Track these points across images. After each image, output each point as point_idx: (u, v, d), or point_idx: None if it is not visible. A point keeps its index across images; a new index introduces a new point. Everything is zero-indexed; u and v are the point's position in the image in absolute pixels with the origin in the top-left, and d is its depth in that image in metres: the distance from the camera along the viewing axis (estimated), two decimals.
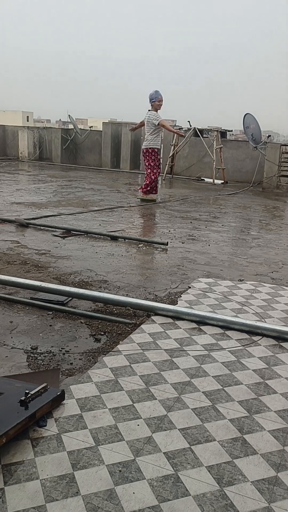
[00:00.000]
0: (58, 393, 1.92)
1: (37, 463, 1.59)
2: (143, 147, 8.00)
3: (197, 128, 11.93)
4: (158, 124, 7.71)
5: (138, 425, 1.84)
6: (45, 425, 1.80)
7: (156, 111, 7.79)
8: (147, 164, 7.92)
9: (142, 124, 8.22)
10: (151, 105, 7.80)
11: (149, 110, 7.85)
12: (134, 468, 1.60)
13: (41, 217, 5.94)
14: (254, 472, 1.62)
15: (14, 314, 2.90)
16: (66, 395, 1.99)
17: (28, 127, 16.51)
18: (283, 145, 11.02)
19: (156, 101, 7.75)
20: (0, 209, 6.38)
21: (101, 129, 14.24)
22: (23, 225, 5.42)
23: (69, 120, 17.14)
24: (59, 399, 1.92)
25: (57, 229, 5.29)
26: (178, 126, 12.58)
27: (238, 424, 1.89)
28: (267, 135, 12.59)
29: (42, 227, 5.40)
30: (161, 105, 7.78)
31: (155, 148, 7.88)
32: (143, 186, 8.06)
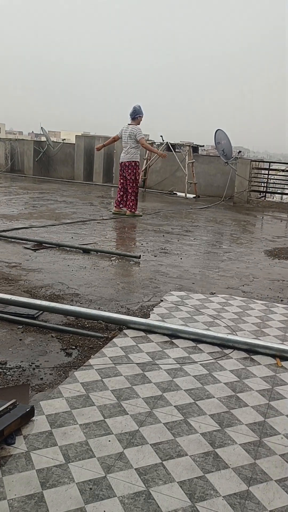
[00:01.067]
0: (28, 410, 1.87)
1: (5, 482, 1.54)
2: (124, 160, 7.83)
3: (170, 143, 12.08)
4: (139, 140, 7.74)
5: (109, 441, 1.81)
6: (14, 443, 1.75)
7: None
8: (128, 178, 7.82)
9: (114, 139, 8.21)
10: (133, 119, 7.78)
11: (129, 124, 7.81)
12: (105, 485, 1.57)
13: (12, 229, 5.85)
14: (226, 487, 1.62)
15: None
16: (35, 411, 1.94)
17: (0, 138, 16.36)
18: (253, 160, 11.27)
19: (141, 116, 7.80)
20: None
21: (74, 142, 14.24)
22: None
23: (41, 132, 17.09)
24: (28, 416, 1.88)
25: (28, 242, 5.22)
26: (151, 140, 12.70)
27: (210, 438, 1.88)
28: (238, 150, 12.87)
29: (12, 240, 5.32)
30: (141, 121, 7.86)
31: (137, 161, 7.85)
32: (130, 204, 7.89)
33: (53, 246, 5.14)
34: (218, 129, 11.35)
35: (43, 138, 16.63)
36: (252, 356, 2.69)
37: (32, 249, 4.93)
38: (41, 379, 2.28)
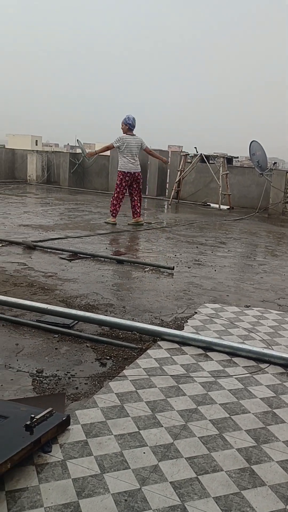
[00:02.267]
0: (64, 418, 1.90)
1: (42, 490, 1.57)
2: (137, 171, 7.90)
3: (204, 154, 12.08)
4: (145, 149, 8.06)
5: (144, 453, 1.81)
6: (50, 451, 1.77)
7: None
8: (137, 187, 7.97)
9: (108, 148, 8.17)
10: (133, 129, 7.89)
11: (132, 135, 7.86)
12: (140, 497, 1.57)
13: (48, 240, 5.97)
14: (262, 504, 1.59)
15: (20, 337, 2.89)
16: (71, 420, 1.97)
17: (37, 151, 16.77)
18: None
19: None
20: (7, 231, 6.43)
21: (109, 154, 14.44)
22: (30, 247, 5.45)
23: (77, 145, 17.41)
24: (64, 424, 1.90)
25: (64, 252, 5.32)
26: (185, 152, 12.74)
27: (246, 454, 1.86)
28: (273, 162, 12.73)
29: (49, 250, 5.43)
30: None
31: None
32: (139, 212, 8.07)
33: (87, 256, 5.21)
34: (253, 141, 11.28)
35: (79, 150, 16.93)
36: None
37: (68, 259, 5.01)
38: (76, 388, 2.31)
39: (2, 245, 5.51)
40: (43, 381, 2.35)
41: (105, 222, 7.92)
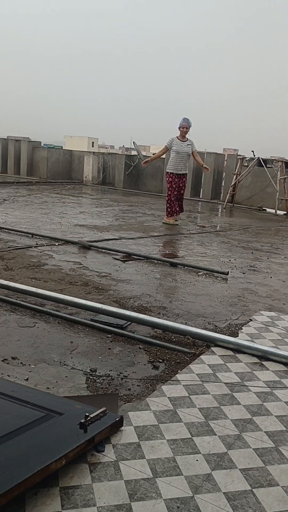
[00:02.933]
0: (117, 419, 1.90)
1: (94, 489, 1.57)
2: (186, 172, 8.22)
3: (261, 158, 11.83)
4: (194, 152, 8.19)
5: (197, 460, 1.78)
6: (103, 450, 1.78)
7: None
8: (183, 188, 8.23)
9: (164, 152, 8.33)
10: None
11: (187, 138, 8.02)
12: (193, 505, 1.54)
13: (102, 240, 6.06)
14: None
15: (74, 335, 2.94)
16: (124, 421, 1.97)
17: (93, 152, 17.10)
18: None
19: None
20: (64, 231, 6.58)
21: (164, 157, 14.46)
22: (86, 247, 5.55)
23: (132, 147, 17.58)
24: (117, 425, 1.91)
25: (118, 253, 5.37)
26: (241, 155, 12.53)
27: None
28: None
29: (103, 250, 5.50)
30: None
31: None
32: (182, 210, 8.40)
33: (141, 258, 5.23)
34: None
35: (134, 152, 17.10)
36: None
37: (122, 260, 5.06)
38: (129, 389, 2.31)
39: (59, 244, 5.64)
40: (97, 380, 2.37)
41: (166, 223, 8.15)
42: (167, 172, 8.11)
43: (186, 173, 8.24)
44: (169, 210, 8.18)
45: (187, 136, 8.02)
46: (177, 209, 8.22)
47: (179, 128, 8.00)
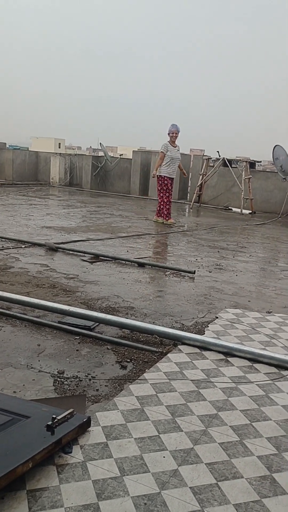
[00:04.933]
0: (85, 420, 1.91)
1: (62, 490, 1.58)
2: (174, 176, 8.68)
3: (226, 158, 12.02)
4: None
5: (164, 457, 1.81)
6: (71, 452, 1.78)
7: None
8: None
9: (163, 157, 8.54)
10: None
11: (175, 143, 8.47)
12: (160, 501, 1.57)
13: (70, 242, 6.03)
14: None
15: (41, 338, 2.92)
16: (92, 422, 1.98)
17: (60, 153, 16.96)
18: None
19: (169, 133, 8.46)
20: (30, 233, 6.51)
21: (131, 157, 14.50)
22: (53, 249, 5.51)
23: (99, 148, 17.54)
24: (85, 426, 1.91)
25: (85, 254, 5.36)
26: (207, 155, 12.70)
27: (267, 462, 1.84)
28: None
29: (71, 252, 5.48)
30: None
31: None
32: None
33: (109, 259, 5.24)
34: (277, 145, 11.18)
35: (101, 153, 17.06)
36: None
37: (89, 262, 5.05)
38: (97, 390, 2.32)
39: (25, 247, 5.58)
40: (64, 382, 2.37)
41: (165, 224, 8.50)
42: (162, 176, 8.44)
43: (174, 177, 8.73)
44: (166, 212, 8.59)
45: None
46: (170, 211, 8.71)
47: (168, 134, 8.35)
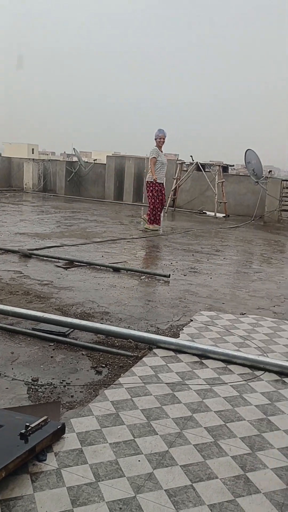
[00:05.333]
0: (59, 427, 1.90)
1: (36, 498, 1.56)
2: (163, 182, 8.58)
3: (199, 163, 12.15)
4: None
5: (139, 460, 1.81)
6: (45, 459, 1.77)
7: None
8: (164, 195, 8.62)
9: (155, 162, 8.50)
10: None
11: (161, 148, 8.43)
12: (135, 505, 1.57)
13: (44, 248, 5.98)
14: None
15: (15, 345, 2.89)
16: (66, 428, 1.97)
17: (33, 159, 16.83)
18: (284, 180, 11.19)
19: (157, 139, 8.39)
20: (3, 240, 6.43)
21: (105, 162, 14.50)
22: (26, 255, 5.46)
23: (73, 153, 17.48)
24: (59, 433, 1.90)
25: (59, 260, 5.32)
26: (181, 160, 12.81)
27: (241, 462, 1.86)
28: (268, 170, 12.79)
29: (45, 258, 5.44)
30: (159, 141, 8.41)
31: None
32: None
33: (84, 264, 5.22)
34: (248, 149, 11.36)
35: (75, 159, 17.00)
36: (284, 379, 2.64)
37: (64, 268, 5.02)
38: (72, 396, 2.31)
39: None
40: (38, 390, 2.35)
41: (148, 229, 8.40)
42: (153, 182, 8.34)
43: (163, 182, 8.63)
44: (153, 218, 8.47)
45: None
46: (160, 216, 8.62)
47: (156, 139, 8.31)
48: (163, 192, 8.50)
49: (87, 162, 16.01)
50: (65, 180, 14.72)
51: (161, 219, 8.80)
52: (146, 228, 8.36)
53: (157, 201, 8.41)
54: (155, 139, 8.32)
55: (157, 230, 8.36)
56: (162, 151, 8.41)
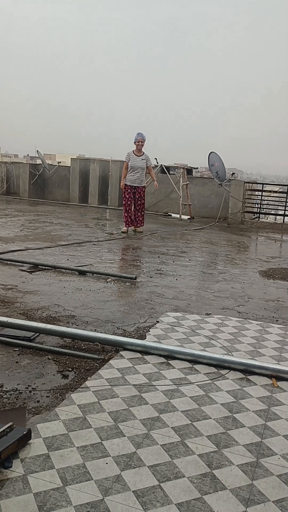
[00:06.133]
0: (24, 433, 1.87)
1: (2, 506, 1.54)
2: (140, 185, 8.51)
3: (164, 165, 12.23)
4: (149, 166, 8.65)
5: (106, 463, 1.81)
6: (11, 466, 1.74)
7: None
8: (140, 199, 8.58)
9: (126, 166, 8.49)
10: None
11: (140, 152, 8.38)
12: (103, 508, 1.56)
13: (8, 252, 5.88)
14: (223, 508, 1.62)
15: None
16: (32, 434, 1.94)
17: None
18: (246, 182, 11.42)
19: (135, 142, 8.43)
20: None
21: (69, 165, 14.39)
22: None
23: (37, 155, 17.26)
24: (25, 439, 1.88)
25: (24, 264, 5.25)
26: None
27: (207, 459, 1.89)
28: (232, 172, 13.02)
29: (9, 262, 5.34)
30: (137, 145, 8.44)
31: None
32: (142, 220, 8.75)
33: (49, 268, 5.16)
34: (212, 152, 11.53)
35: (39, 161, 16.78)
36: (248, 377, 2.70)
37: (28, 271, 4.95)
38: (38, 401, 2.28)
39: None
40: (3, 396, 2.31)
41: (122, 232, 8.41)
42: (125, 185, 8.42)
43: (142, 186, 8.53)
44: (124, 220, 8.54)
45: (143, 149, 8.39)
46: (130, 219, 8.54)
47: (134, 142, 8.33)
48: (138, 195, 8.50)
49: (51, 164, 15.83)
50: (29, 183, 14.51)
51: (145, 222, 8.81)
52: (122, 232, 8.40)
53: (126, 203, 8.48)
54: (134, 142, 8.38)
55: (124, 232, 8.37)
56: (140, 154, 8.36)
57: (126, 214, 8.53)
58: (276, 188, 12.64)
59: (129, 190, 8.46)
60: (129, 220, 8.57)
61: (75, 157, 16.79)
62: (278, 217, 12.26)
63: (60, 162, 16.76)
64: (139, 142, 8.33)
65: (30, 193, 14.51)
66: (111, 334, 3.14)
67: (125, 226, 8.55)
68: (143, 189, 8.61)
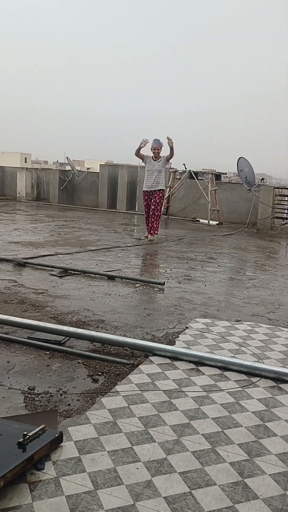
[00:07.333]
0: (56, 435, 1.89)
1: (35, 507, 1.56)
2: (156, 188, 8.31)
3: (192, 171, 12.22)
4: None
5: (137, 468, 1.81)
6: (43, 468, 1.76)
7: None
8: (156, 203, 8.33)
9: (141, 156, 8.47)
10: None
11: (160, 157, 8.29)
12: None
13: (38, 257, 5.98)
14: None
15: (11, 354, 2.88)
16: (64, 437, 1.96)
17: (26, 168, 16.84)
18: (276, 187, 11.28)
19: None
20: None
21: (98, 171, 14.54)
22: (21, 264, 5.45)
23: (66, 162, 17.52)
24: (57, 441, 1.90)
25: (54, 269, 5.32)
26: (174, 168, 12.88)
27: (239, 468, 1.86)
28: (261, 178, 12.92)
29: (39, 267, 5.43)
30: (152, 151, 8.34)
31: None
32: (156, 228, 8.43)
33: (78, 273, 5.22)
34: (241, 157, 11.45)
35: (68, 167, 17.03)
36: (280, 385, 2.66)
37: (58, 276, 5.02)
38: (69, 405, 2.30)
39: None
40: (35, 398, 2.34)
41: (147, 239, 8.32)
42: (142, 191, 8.41)
43: (159, 189, 8.23)
44: (146, 227, 8.46)
45: (160, 155, 8.27)
46: (148, 225, 8.38)
47: (150, 149, 8.28)
48: (154, 200, 8.19)
49: (80, 170, 16.04)
50: (59, 189, 14.73)
51: (159, 227, 8.60)
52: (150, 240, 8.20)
53: (144, 210, 8.44)
54: (150, 149, 8.33)
55: (150, 239, 8.23)
56: (156, 160, 8.23)
57: (146, 222, 8.47)
58: None
59: (145, 197, 8.34)
60: (148, 226, 8.48)
61: (104, 163, 16.97)
62: None
63: (89, 168, 16.96)
64: (155, 149, 8.18)
65: (60, 199, 14.73)
66: (140, 339, 3.15)
67: (148, 233, 8.45)
68: (160, 194, 8.22)
